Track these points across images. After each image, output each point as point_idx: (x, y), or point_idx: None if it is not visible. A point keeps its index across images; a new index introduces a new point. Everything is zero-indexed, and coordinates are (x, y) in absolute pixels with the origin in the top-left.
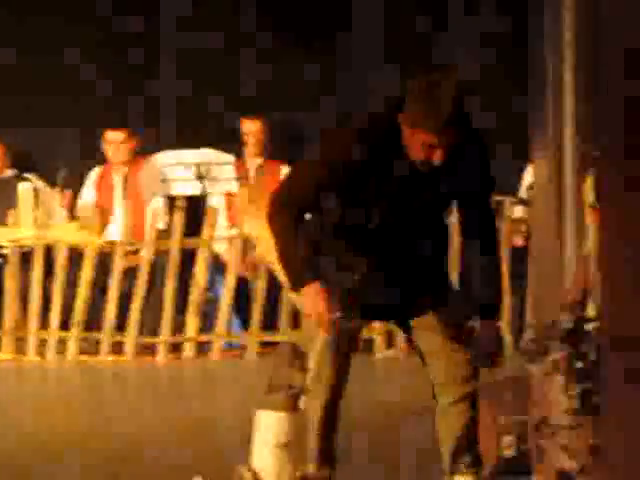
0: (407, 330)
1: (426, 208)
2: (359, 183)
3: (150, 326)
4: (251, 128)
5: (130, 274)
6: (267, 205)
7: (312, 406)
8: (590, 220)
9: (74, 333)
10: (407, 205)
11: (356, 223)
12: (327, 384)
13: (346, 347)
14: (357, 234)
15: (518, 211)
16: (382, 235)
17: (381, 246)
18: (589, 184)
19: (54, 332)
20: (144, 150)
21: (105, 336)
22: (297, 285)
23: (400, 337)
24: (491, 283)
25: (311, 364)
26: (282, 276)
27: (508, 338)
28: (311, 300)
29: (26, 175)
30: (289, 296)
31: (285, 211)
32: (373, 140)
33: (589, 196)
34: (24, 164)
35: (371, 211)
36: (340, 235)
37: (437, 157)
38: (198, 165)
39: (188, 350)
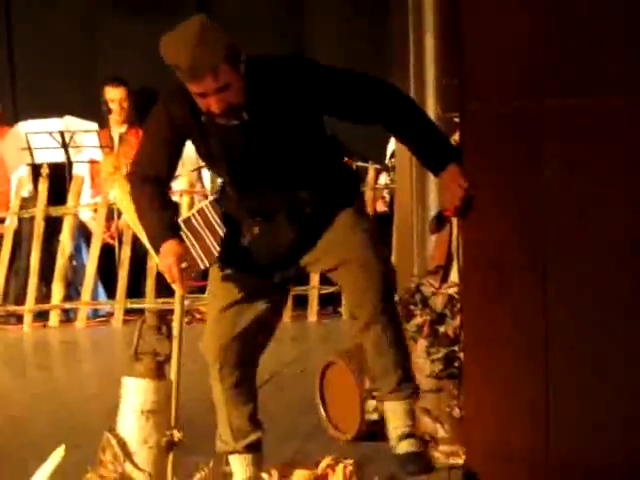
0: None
1: (278, 154)
2: (196, 146)
3: (15, 294)
4: (115, 95)
5: None
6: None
7: (212, 375)
8: None
9: None
10: (250, 157)
11: (224, 182)
12: (215, 352)
13: (243, 312)
14: (231, 192)
15: (382, 178)
16: (253, 189)
17: (258, 201)
18: None
19: None
20: (6, 119)
21: None
22: (155, 245)
23: None
24: (431, 131)
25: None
26: (147, 242)
27: None
28: (164, 258)
29: None
30: (154, 263)
31: (134, 175)
32: (177, 105)
33: None
34: None
35: (220, 169)
36: (224, 195)
37: (214, 105)
38: (62, 133)
39: (54, 318)
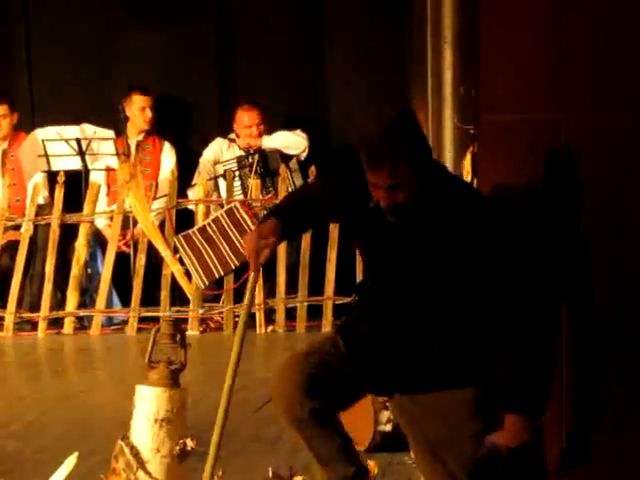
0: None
1: (418, 271)
2: (353, 225)
3: (30, 301)
4: (145, 103)
5: (10, 249)
6: None
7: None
8: None
9: None
10: (396, 261)
11: (368, 274)
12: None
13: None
14: (368, 281)
15: None
16: (388, 291)
17: (388, 306)
18: (468, 161)
19: None
20: (23, 125)
21: None
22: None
23: (280, 313)
24: (518, 375)
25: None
26: (162, 251)
27: None
28: (253, 232)
29: None
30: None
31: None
32: (353, 180)
33: (467, 174)
34: None
35: (366, 255)
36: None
37: (382, 199)
38: (78, 140)
39: (68, 325)
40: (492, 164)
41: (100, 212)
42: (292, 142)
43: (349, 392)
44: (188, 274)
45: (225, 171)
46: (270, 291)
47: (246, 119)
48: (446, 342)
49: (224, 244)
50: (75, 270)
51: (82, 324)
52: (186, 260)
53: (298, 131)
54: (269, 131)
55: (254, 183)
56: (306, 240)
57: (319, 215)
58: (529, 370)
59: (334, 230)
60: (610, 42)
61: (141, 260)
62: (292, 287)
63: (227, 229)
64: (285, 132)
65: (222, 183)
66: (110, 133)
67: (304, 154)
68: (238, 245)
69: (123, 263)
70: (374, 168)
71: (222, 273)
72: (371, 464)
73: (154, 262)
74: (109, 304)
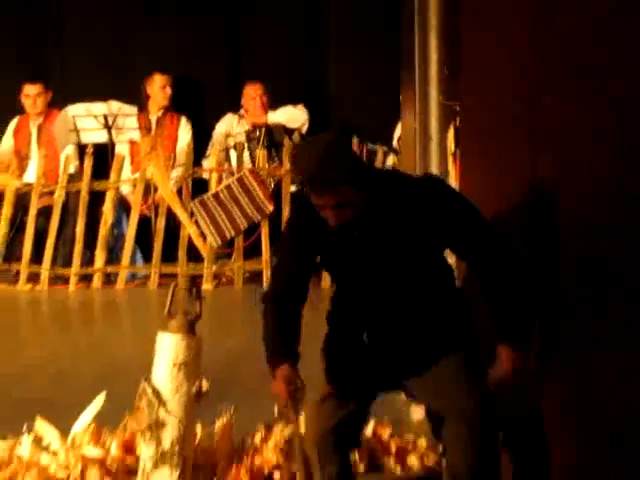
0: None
1: (389, 268)
2: (319, 254)
3: (63, 259)
4: (164, 82)
5: (45, 213)
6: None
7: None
8: (452, 166)
9: None
10: (364, 267)
11: (342, 292)
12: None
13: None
14: (345, 297)
15: (390, 160)
16: (364, 298)
17: (368, 311)
18: (451, 134)
19: None
20: (56, 102)
21: (23, 268)
22: (270, 365)
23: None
24: (511, 306)
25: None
26: (180, 215)
27: None
28: (276, 381)
29: None
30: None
31: (269, 297)
32: (309, 215)
33: (451, 145)
34: None
35: (337, 273)
36: (339, 298)
37: (330, 218)
38: (105, 116)
39: (96, 280)
40: (474, 142)
41: (124, 180)
42: (293, 116)
43: (364, 408)
44: (203, 235)
45: (235, 143)
46: None
47: (252, 92)
48: (427, 316)
49: (235, 208)
50: (103, 231)
51: (109, 279)
52: (201, 222)
53: (300, 106)
54: (273, 108)
55: (261, 154)
56: None
57: (307, 281)
58: (509, 301)
59: None
60: (610, 42)
61: (161, 222)
62: None
63: (238, 195)
64: (288, 107)
65: (233, 154)
66: (133, 109)
67: (305, 127)
68: (247, 209)
69: (145, 225)
70: (317, 192)
71: (233, 234)
72: None
73: (172, 224)
74: (133, 261)
